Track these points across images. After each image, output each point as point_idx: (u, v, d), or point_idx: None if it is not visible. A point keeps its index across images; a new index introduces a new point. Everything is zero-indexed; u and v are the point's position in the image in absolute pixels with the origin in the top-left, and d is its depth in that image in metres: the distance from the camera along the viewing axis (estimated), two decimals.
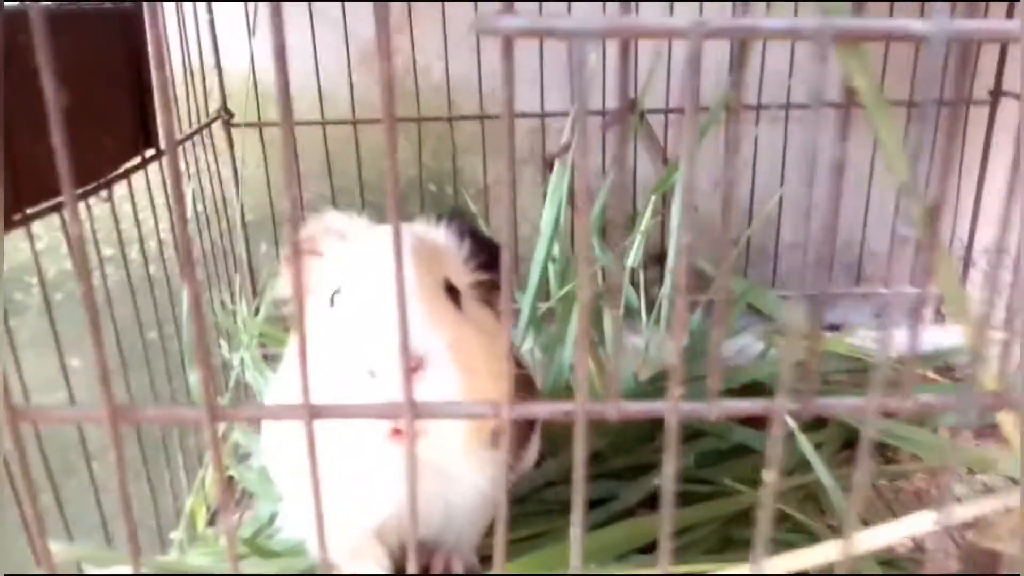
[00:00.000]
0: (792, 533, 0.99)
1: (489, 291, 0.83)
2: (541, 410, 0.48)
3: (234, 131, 1.50)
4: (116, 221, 1.01)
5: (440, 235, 0.84)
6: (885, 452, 1.26)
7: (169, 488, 1.21)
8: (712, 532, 0.98)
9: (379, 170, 1.58)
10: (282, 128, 0.39)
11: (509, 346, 0.45)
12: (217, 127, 1.48)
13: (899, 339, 1.47)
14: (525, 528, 1.01)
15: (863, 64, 0.43)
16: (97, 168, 0.97)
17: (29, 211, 0.84)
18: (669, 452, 0.46)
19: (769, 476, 0.47)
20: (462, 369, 0.69)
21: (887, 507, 1.16)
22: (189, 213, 1.27)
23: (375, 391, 0.66)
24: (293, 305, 0.42)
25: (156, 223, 1.17)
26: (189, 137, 1.29)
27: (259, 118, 1.50)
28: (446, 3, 1.48)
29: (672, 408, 0.45)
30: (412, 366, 0.65)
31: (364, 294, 0.72)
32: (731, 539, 0.99)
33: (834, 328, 1.61)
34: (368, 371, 0.67)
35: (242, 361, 1.42)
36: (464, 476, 0.80)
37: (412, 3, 1.50)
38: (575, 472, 0.47)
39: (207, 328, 1.19)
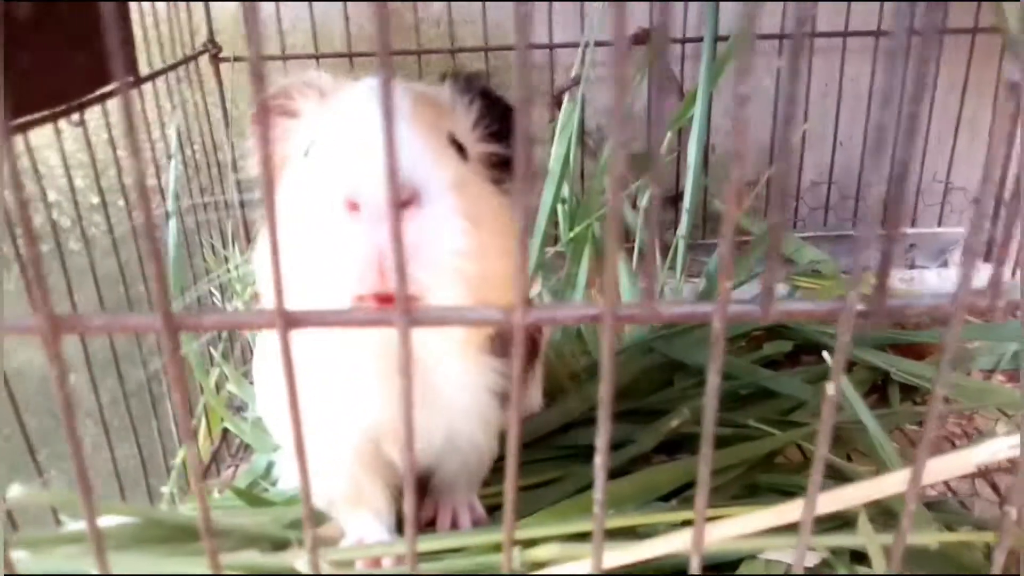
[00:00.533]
0: (825, 476, 0.92)
1: (502, 170, 0.68)
2: (564, 314, 0.40)
3: (223, 69, 1.42)
4: (88, 144, 0.93)
5: (445, 92, 0.69)
6: (914, 396, 1.19)
7: (160, 447, 1.15)
8: (737, 477, 0.91)
9: None
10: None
11: (526, 231, 0.37)
12: (205, 64, 1.40)
13: (929, 281, 1.36)
14: (534, 475, 0.94)
15: None
16: (66, 89, 0.89)
17: None
18: (714, 362, 0.39)
19: (831, 388, 0.39)
20: (467, 218, 0.56)
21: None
22: (175, 150, 1.19)
23: (356, 233, 0.52)
24: (261, 173, 0.35)
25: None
26: (171, 68, 1.21)
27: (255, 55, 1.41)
28: None
29: (720, 309, 0.38)
30: (404, 199, 0.53)
31: (345, 131, 0.58)
32: (757, 485, 0.92)
33: (847, 271, 1.54)
34: (347, 204, 0.53)
35: (236, 310, 1.35)
36: (462, 379, 0.68)
37: None
38: (602, 387, 0.40)
39: (158, 236, 1.12)
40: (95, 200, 1.01)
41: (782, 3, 1.42)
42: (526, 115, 0.34)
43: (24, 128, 0.81)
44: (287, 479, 1.03)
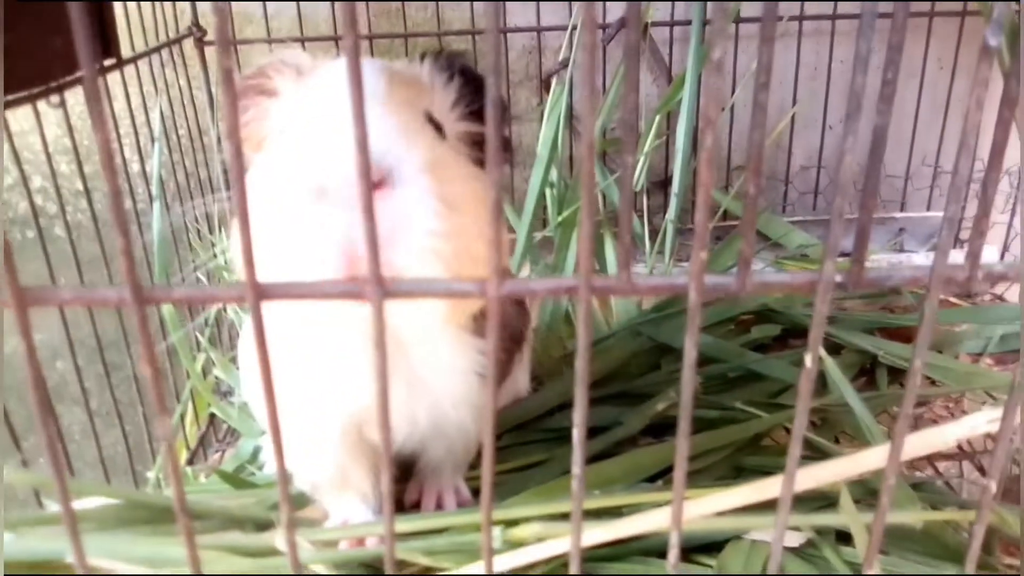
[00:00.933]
0: (808, 458, 0.93)
1: (481, 150, 0.66)
2: (538, 286, 0.40)
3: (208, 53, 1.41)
4: (70, 129, 0.92)
5: (424, 70, 0.68)
6: (902, 379, 1.19)
7: (146, 433, 1.15)
8: (723, 459, 0.91)
9: None
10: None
11: (499, 203, 0.36)
12: (190, 48, 1.38)
13: (917, 264, 1.37)
14: (522, 457, 0.94)
15: None
16: (47, 71, 0.88)
17: None
18: (691, 337, 0.38)
19: (809, 360, 0.39)
20: (441, 200, 0.54)
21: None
22: (159, 134, 1.17)
23: (326, 220, 0.51)
24: (227, 148, 0.34)
25: (120, 139, 1.09)
26: (154, 51, 1.19)
27: (234, 36, 1.40)
28: None
29: (696, 280, 0.37)
30: (375, 180, 0.51)
31: (316, 113, 0.57)
32: (742, 467, 0.92)
33: (845, 255, 1.53)
34: (316, 189, 0.52)
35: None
36: (446, 360, 0.67)
37: None
38: (578, 362, 0.40)
39: (125, 209, 1.12)
40: (80, 186, 1.00)
41: None
42: (496, 86, 0.34)
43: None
44: (273, 463, 1.03)
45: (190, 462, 1.16)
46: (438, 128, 0.63)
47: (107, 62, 1.02)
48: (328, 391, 0.67)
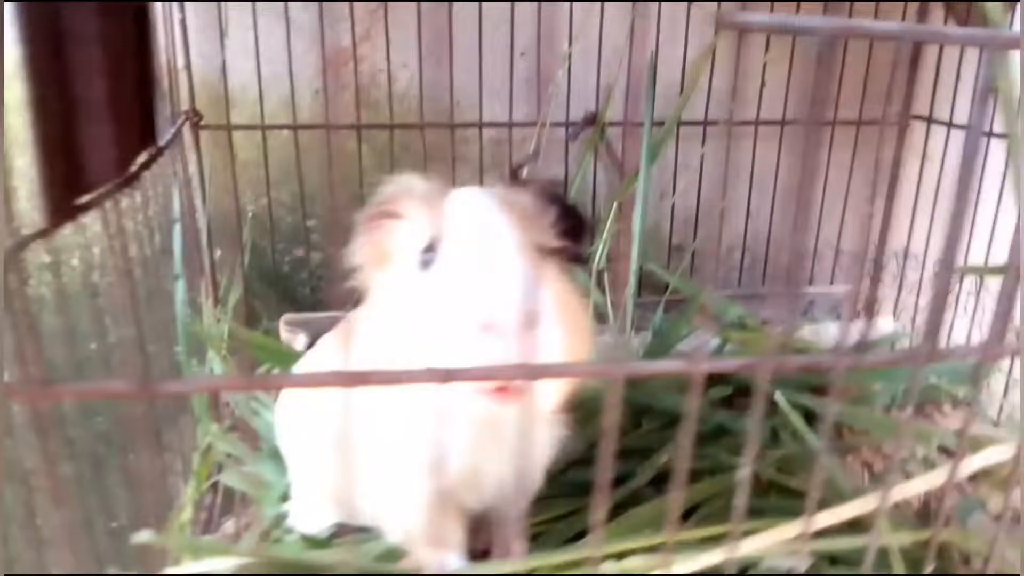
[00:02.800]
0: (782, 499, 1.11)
1: (567, 260, 0.80)
2: (652, 368, 0.54)
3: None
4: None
5: (527, 198, 0.80)
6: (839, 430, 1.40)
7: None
8: (720, 507, 1.07)
9: (342, 176, 1.60)
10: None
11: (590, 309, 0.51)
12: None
13: (831, 331, 1.63)
14: (547, 511, 1.06)
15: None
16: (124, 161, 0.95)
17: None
18: (693, 404, 0.54)
19: (752, 424, 0.56)
20: (565, 328, 0.68)
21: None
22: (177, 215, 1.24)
23: (484, 349, 0.64)
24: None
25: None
26: (169, 143, 1.26)
27: (228, 121, 1.48)
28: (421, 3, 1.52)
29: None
30: (526, 323, 0.64)
31: (466, 251, 0.70)
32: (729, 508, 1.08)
33: (765, 323, 1.77)
34: (481, 326, 0.64)
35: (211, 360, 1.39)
36: (541, 438, 0.81)
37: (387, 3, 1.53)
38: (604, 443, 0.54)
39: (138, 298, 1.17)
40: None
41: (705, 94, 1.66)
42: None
43: None
44: (305, 524, 1.08)
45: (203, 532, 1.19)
46: (542, 254, 0.77)
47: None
48: (432, 463, 0.78)
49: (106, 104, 0.90)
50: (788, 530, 0.80)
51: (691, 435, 0.52)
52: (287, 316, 1.57)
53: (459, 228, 0.72)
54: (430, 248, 0.73)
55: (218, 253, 1.62)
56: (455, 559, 0.85)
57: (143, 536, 0.77)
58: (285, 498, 1.17)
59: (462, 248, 0.70)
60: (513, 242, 0.71)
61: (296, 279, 1.72)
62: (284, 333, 1.56)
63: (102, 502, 1.07)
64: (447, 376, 0.49)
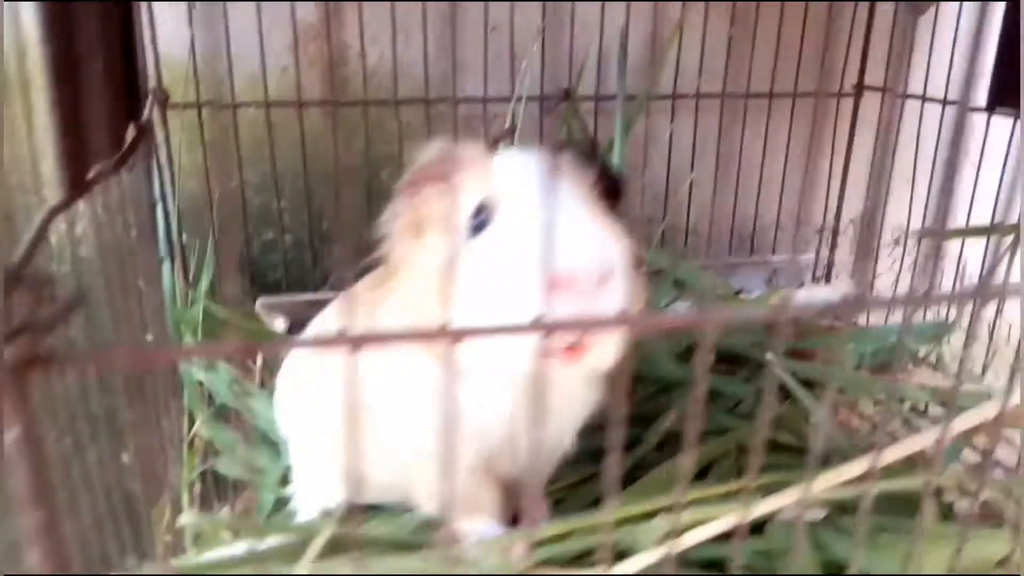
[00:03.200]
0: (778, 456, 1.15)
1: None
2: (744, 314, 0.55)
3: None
4: None
5: (570, 158, 0.78)
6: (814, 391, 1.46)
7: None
8: (727, 468, 1.10)
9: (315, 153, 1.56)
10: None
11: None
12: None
13: (800, 297, 1.69)
14: (561, 478, 1.07)
15: None
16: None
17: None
18: (702, 365, 0.56)
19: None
20: (630, 281, 0.67)
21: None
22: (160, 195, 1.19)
23: (557, 306, 0.59)
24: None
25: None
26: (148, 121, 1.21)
27: (198, 98, 1.43)
28: None
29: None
30: (604, 277, 0.63)
31: (531, 211, 0.67)
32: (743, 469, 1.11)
33: (738, 292, 1.82)
34: (555, 283, 0.60)
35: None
36: (578, 393, 0.80)
37: None
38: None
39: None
40: None
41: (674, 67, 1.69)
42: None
43: None
44: (307, 508, 1.07)
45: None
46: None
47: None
48: (469, 431, 0.77)
49: (101, 86, 0.86)
50: (799, 489, 0.84)
51: (703, 393, 0.52)
52: (263, 299, 1.53)
53: (519, 189, 0.70)
54: (480, 212, 0.72)
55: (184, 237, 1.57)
56: (493, 526, 0.85)
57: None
58: (282, 483, 1.15)
59: (526, 208, 0.68)
60: (581, 199, 0.70)
61: (266, 262, 1.67)
62: (262, 316, 1.52)
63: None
64: (538, 329, 0.49)
